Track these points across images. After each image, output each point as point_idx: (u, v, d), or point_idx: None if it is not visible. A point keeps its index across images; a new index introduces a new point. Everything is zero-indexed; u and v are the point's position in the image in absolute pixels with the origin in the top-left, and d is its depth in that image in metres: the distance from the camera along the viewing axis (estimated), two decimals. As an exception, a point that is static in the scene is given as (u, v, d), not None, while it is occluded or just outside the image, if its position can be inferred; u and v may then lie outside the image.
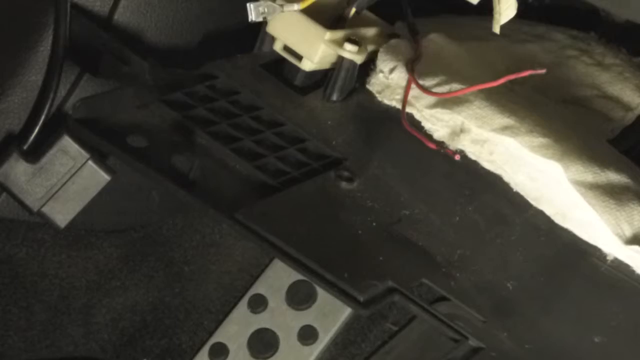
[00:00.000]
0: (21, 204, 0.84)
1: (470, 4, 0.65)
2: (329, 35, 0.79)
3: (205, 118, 0.79)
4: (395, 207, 0.75)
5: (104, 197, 0.85)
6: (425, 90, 0.75)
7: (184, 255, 1.05)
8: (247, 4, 0.78)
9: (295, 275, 0.99)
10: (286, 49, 0.82)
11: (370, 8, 0.84)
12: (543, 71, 0.59)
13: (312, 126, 0.80)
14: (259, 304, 1.00)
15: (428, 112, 0.76)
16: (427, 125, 0.76)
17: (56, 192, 0.83)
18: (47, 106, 0.83)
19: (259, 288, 1.01)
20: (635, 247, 0.69)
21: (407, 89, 0.77)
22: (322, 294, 0.98)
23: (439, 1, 0.89)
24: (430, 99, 0.76)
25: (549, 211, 0.73)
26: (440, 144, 0.76)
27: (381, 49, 0.81)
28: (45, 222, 0.85)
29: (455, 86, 0.76)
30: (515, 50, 0.84)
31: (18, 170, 0.83)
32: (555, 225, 0.73)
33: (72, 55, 0.84)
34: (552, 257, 0.73)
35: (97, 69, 0.86)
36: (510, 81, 0.80)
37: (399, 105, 0.77)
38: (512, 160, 0.74)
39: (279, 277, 1.01)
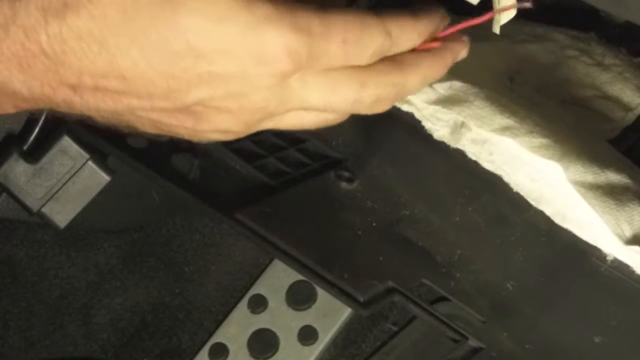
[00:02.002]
0: (21, 204, 0.84)
1: (470, 4, 0.65)
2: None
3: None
4: (395, 207, 0.75)
5: (104, 197, 0.85)
6: None
7: (184, 255, 1.05)
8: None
9: (295, 275, 0.99)
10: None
11: (371, 8, 0.84)
12: (529, 4, 0.58)
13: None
14: (259, 304, 1.00)
15: (428, 111, 0.76)
16: (427, 124, 0.76)
17: (56, 192, 0.83)
18: (47, 106, 0.83)
19: (259, 288, 1.01)
20: (635, 247, 0.69)
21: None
22: (322, 294, 0.98)
23: (439, 1, 0.89)
24: (430, 95, 0.76)
25: (549, 211, 0.73)
26: (439, 149, 0.75)
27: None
28: (45, 222, 0.85)
29: (456, 83, 0.76)
30: (516, 50, 0.84)
31: (18, 170, 0.83)
32: (555, 226, 0.73)
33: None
34: (552, 257, 0.73)
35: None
36: (511, 81, 0.80)
37: (399, 105, 0.77)
38: (512, 161, 0.74)
39: (279, 277, 1.01)
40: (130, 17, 0.48)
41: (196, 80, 0.50)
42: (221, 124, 0.53)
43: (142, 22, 0.48)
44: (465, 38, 0.60)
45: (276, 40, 0.49)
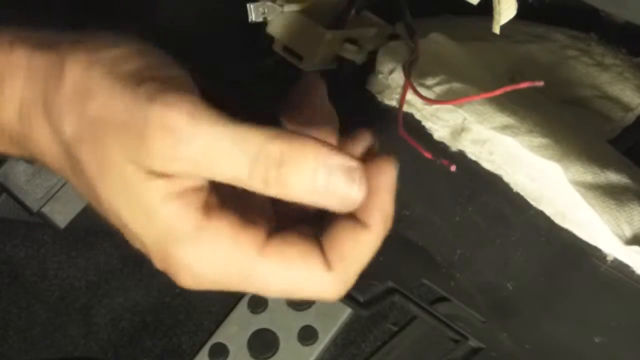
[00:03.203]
0: (21, 204, 0.84)
1: (470, 4, 0.65)
2: (329, 35, 0.79)
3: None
4: (395, 207, 0.75)
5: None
6: (423, 96, 0.75)
7: (184, 255, 1.05)
8: (248, 5, 0.78)
9: (295, 276, 0.98)
10: (286, 49, 0.82)
11: (370, 8, 0.84)
12: (541, 84, 0.59)
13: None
14: (259, 304, 1.00)
15: (428, 111, 0.76)
16: (427, 124, 0.76)
17: (56, 192, 0.83)
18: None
19: (259, 288, 1.01)
20: (635, 247, 0.69)
21: (403, 92, 0.77)
22: (322, 294, 0.98)
23: (439, 1, 0.89)
24: (431, 94, 0.76)
25: (549, 211, 0.73)
26: (438, 150, 0.75)
27: (380, 51, 0.81)
28: (45, 222, 0.85)
29: (456, 85, 0.76)
30: (516, 50, 0.84)
31: (18, 170, 0.83)
32: (555, 226, 0.73)
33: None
34: (552, 257, 0.73)
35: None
36: (511, 81, 0.80)
37: (399, 105, 0.77)
38: (512, 161, 0.74)
39: (279, 277, 1.01)
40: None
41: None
42: None
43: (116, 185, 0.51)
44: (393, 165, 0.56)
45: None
